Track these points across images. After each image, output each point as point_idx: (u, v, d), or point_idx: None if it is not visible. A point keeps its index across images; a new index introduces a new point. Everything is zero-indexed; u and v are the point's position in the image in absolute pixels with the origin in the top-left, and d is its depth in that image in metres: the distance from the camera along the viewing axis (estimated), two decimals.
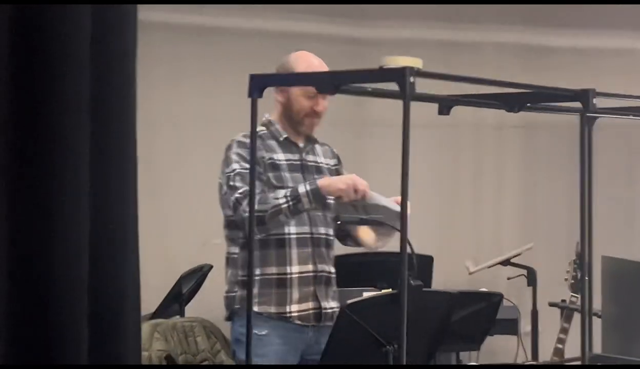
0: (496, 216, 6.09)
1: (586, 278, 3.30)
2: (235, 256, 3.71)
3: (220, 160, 3.74)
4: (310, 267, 3.68)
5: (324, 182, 3.59)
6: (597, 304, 4.13)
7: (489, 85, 2.82)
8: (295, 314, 3.63)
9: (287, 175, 3.69)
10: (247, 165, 3.58)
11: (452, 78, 2.67)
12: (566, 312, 4.98)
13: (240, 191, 3.59)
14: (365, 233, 3.77)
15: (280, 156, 3.72)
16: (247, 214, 3.49)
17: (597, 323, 4.01)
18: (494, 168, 6.11)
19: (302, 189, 3.56)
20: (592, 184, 3.23)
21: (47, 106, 2.37)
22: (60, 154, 2.39)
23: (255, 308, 3.57)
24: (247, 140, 3.58)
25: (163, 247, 5.22)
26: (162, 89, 5.39)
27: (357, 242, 3.85)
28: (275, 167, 3.68)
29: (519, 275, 5.57)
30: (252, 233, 3.11)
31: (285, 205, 3.54)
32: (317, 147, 3.83)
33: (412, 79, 2.42)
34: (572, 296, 4.98)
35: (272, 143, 3.71)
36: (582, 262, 3.89)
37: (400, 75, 2.44)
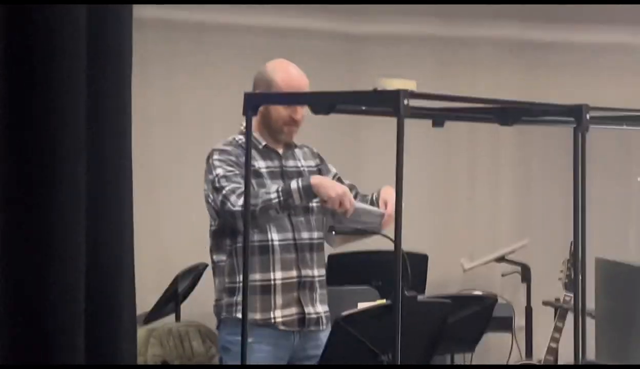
0: (491, 213, 6.11)
1: (579, 286, 3.31)
2: (222, 264, 3.75)
3: None
4: (294, 273, 3.72)
5: (316, 180, 3.62)
6: (590, 304, 4.15)
7: (484, 103, 2.82)
8: (280, 320, 3.68)
9: (268, 182, 3.73)
10: (230, 168, 3.67)
11: (446, 98, 2.67)
12: (560, 311, 5.00)
13: (225, 189, 3.63)
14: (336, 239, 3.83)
15: (260, 163, 3.76)
16: (236, 207, 3.56)
17: (590, 323, 4.02)
18: (488, 165, 6.12)
19: (294, 185, 3.59)
20: (586, 187, 3.24)
21: (43, 106, 2.36)
22: (57, 155, 2.39)
23: (240, 315, 3.61)
24: (228, 148, 3.72)
25: (159, 246, 5.23)
26: (157, 86, 5.40)
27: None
28: (257, 174, 3.72)
29: (514, 272, 5.61)
30: (247, 236, 3.14)
31: (276, 200, 3.58)
32: (297, 150, 3.87)
33: (406, 102, 2.44)
34: (565, 294, 5.01)
35: (252, 151, 3.74)
36: (575, 266, 3.90)
37: (394, 97, 2.46)
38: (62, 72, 2.40)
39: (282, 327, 3.68)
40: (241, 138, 3.76)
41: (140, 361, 3.77)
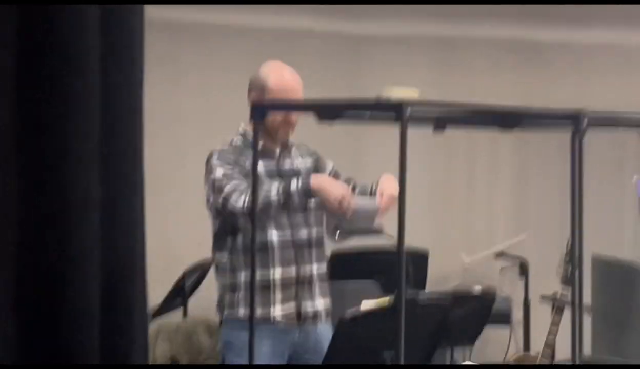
0: (489, 210, 6.15)
1: (577, 282, 3.35)
2: (224, 262, 3.81)
3: None
4: (292, 270, 3.78)
5: (316, 182, 3.66)
6: (586, 299, 4.21)
7: (484, 110, 2.88)
8: (279, 315, 3.74)
9: (266, 181, 3.76)
10: (229, 167, 3.73)
11: (447, 105, 2.73)
12: (557, 305, 5.03)
13: (226, 189, 3.68)
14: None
15: (259, 165, 3.80)
16: (237, 206, 3.61)
17: (585, 317, 4.07)
18: (487, 164, 6.15)
19: (294, 186, 3.64)
20: (583, 188, 3.29)
21: (57, 107, 2.38)
22: (71, 155, 2.41)
23: (241, 313, 3.68)
24: (226, 149, 3.78)
25: (166, 244, 5.26)
26: (162, 87, 5.42)
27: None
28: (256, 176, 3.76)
29: (512, 266, 5.66)
30: (254, 235, 3.21)
31: (276, 199, 3.63)
32: (294, 149, 3.92)
33: (408, 111, 2.50)
34: (562, 288, 5.04)
35: (249, 151, 3.79)
36: (573, 262, 3.96)
37: (398, 107, 2.51)
38: (77, 73, 2.41)
39: (281, 323, 3.74)
40: (239, 139, 3.83)
41: (149, 356, 3.83)
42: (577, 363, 3.20)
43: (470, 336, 3.82)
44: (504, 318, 5.42)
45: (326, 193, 3.62)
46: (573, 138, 2.93)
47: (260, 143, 3.82)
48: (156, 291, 4.76)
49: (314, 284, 3.82)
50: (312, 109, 3.02)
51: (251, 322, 3.16)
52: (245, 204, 3.59)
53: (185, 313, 4.91)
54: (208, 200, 3.78)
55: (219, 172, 3.72)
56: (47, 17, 2.37)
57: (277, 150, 3.86)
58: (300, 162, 3.91)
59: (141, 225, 2.62)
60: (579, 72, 6.09)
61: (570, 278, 4.49)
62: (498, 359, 5.47)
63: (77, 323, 2.40)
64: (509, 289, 5.66)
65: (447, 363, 4.29)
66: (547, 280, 5.22)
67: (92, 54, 2.42)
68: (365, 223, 3.68)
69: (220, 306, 3.84)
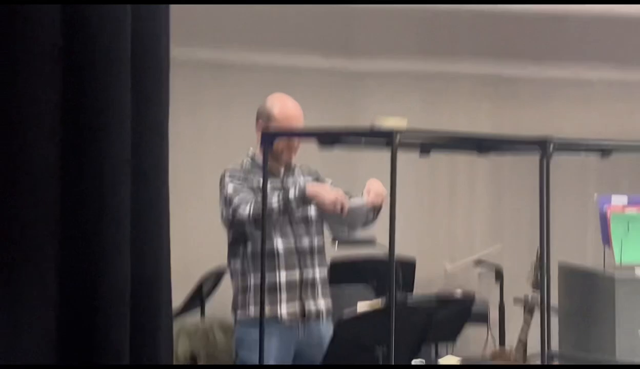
0: (468, 223, 6.14)
1: (545, 286, 3.35)
2: (237, 268, 3.81)
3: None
4: (296, 273, 3.77)
5: (312, 189, 3.65)
6: (554, 301, 4.19)
7: (464, 138, 2.88)
8: (285, 313, 3.73)
9: (270, 194, 3.74)
10: (239, 183, 3.74)
11: (431, 133, 2.74)
12: (528, 307, 5.03)
13: (235, 201, 3.69)
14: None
15: None
16: (245, 214, 3.62)
17: (553, 318, 4.07)
18: (466, 183, 6.14)
19: (291, 194, 3.64)
20: (550, 203, 3.28)
21: (96, 133, 2.36)
22: (106, 171, 2.38)
23: (252, 311, 3.68)
24: (237, 168, 3.81)
25: (186, 252, 5.26)
26: (186, 115, 5.45)
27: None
28: (261, 190, 3.76)
29: (488, 272, 5.64)
30: (264, 242, 3.21)
31: (276, 205, 3.63)
32: (296, 169, 3.92)
33: (398, 138, 2.50)
34: (533, 292, 5.03)
35: (257, 171, 3.81)
36: (541, 269, 3.95)
37: (389, 135, 2.52)
38: (113, 109, 2.37)
39: (286, 320, 3.73)
40: (248, 161, 3.85)
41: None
42: (545, 357, 3.19)
43: (452, 334, 3.80)
44: (482, 318, 5.41)
45: (321, 197, 3.62)
46: (541, 161, 2.94)
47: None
48: (177, 294, 4.76)
49: (316, 286, 3.81)
50: (314, 136, 3.02)
51: (261, 318, 3.15)
52: (251, 213, 3.60)
53: (203, 314, 4.89)
54: (221, 214, 3.78)
55: (230, 188, 3.73)
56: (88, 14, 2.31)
57: (282, 170, 3.87)
58: (302, 180, 3.91)
59: (166, 235, 2.61)
60: (546, 104, 6.10)
61: (540, 283, 4.49)
62: (477, 355, 5.45)
63: (111, 322, 2.38)
64: (486, 292, 5.64)
65: (432, 357, 4.28)
66: (519, 284, 5.21)
67: (124, 96, 2.42)
68: (359, 223, 3.67)
69: (234, 306, 3.83)
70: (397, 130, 2.53)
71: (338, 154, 5.45)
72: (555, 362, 4.14)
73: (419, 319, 3.36)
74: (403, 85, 5.96)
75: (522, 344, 4.95)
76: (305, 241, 3.80)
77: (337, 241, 3.71)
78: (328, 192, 3.65)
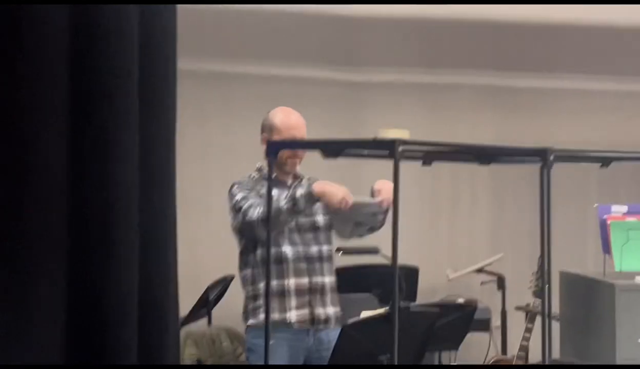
0: (471, 232, 6.13)
1: (546, 293, 3.35)
2: (247, 275, 3.82)
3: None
4: (305, 280, 3.77)
5: (317, 187, 3.66)
6: (555, 309, 4.19)
7: (465, 148, 2.89)
8: (295, 319, 3.73)
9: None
10: (247, 191, 3.77)
11: (433, 143, 2.74)
12: (530, 314, 5.02)
13: (244, 206, 3.71)
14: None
15: (273, 191, 3.82)
16: (254, 217, 3.64)
17: (555, 325, 4.07)
18: (468, 193, 6.14)
19: (298, 193, 3.65)
20: (551, 212, 3.28)
21: (102, 147, 2.36)
22: (114, 182, 2.38)
23: (262, 318, 3.67)
24: (244, 179, 3.84)
25: (193, 261, 5.27)
26: (192, 126, 5.47)
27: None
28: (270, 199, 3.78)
29: (490, 281, 5.64)
30: (269, 248, 3.21)
31: (284, 205, 3.64)
32: (304, 180, 3.92)
33: (400, 149, 2.51)
34: (534, 300, 5.03)
35: (264, 182, 3.81)
36: (542, 277, 3.96)
37: (391, 145, 2.53)
38: (121, 120, 2.37)
39: (296, 325, 3.73)
40: (256, 174, 3.88)
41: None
42: (547, 363, 3.19)
43: (454, 341, 3.80)
44: (484, 325, 5.40)
45: (328, 194, 3.63)
46: (542, 171, 2.94)
47: (275, 174, 3.86)
48: (184, 302, 4.77)
49: (325, 293, 3.82)
50: (318, 147, 3.03)
51: (266, 321, 3.14)
52: (260, 215, 3.63)
53: (209, 321, 4.89)
54: (232, 223, 3.79)
55: (239, 196, 3.76)
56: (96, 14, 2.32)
57: (290, 181, 3.89)
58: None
59: (174, 244, 2.62)
60: (547, 114, 6.10)
61: (541, 291, 4.49)
62: (479, 361, 5.44)
63: (120, 325, 2.39)
64: (488, 300, 5.64)
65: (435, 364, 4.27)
66: (521, 292, 5.22)
67: (133, 109, 2.43)
68: (365, 222, 3.67)
69: (245, 314, 3.83)
70: (400, 141, 2.54)
71: (342, 163, 5.49)
72: None
73: (421, 327, 3.36)
74: (405, 96, 5.97)
75: (524, 351, 4.95)
76: (314, 249, 3.81)
77: (341, 252, 3.71)
78: (335, 188, 3.66)
